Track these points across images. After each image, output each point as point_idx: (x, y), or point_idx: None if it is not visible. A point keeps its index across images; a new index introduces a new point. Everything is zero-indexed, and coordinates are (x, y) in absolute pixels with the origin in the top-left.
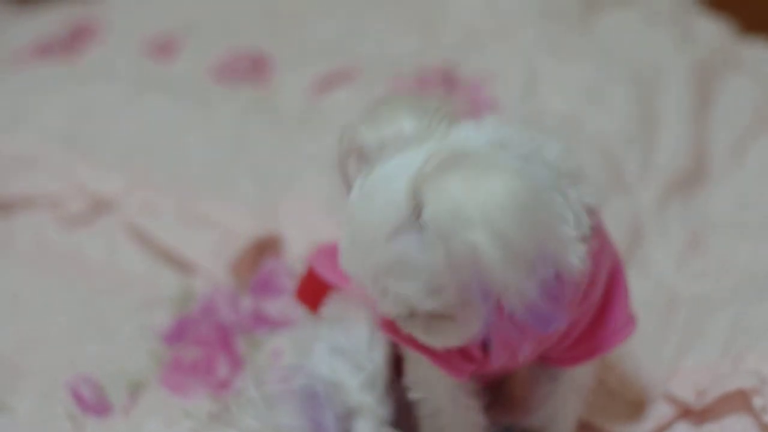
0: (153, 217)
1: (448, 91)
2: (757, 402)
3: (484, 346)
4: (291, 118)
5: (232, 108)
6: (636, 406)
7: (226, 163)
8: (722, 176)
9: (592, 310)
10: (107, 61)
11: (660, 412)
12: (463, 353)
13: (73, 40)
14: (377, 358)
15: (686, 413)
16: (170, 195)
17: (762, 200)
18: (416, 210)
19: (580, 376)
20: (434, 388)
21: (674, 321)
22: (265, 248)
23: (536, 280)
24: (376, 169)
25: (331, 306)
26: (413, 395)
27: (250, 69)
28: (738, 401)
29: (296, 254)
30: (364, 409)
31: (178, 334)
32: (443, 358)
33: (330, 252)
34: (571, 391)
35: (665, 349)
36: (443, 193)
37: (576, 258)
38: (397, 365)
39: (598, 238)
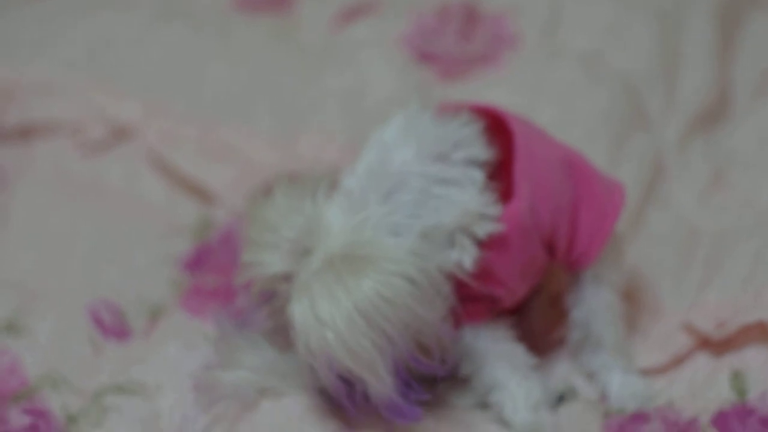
0: (173, 146)
1: (470, 26)
2: None
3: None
4: (312, 50)
5: (253, 38)
6: (655, 337)
7: (247, 94)
8: (745, 113)
9: (565, 211)
10: None
11: (679, 342)
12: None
13: None
14: None
15: (705, 344)
16: (190, 124)
17: None
18: None
19: (604, 273)
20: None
21: (695, 255)
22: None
23: (387, 379)
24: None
25: None
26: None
27: None
28: (758, 333)
29: None
30: None
31: (198, 261)
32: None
33: None
34: (598, 289)
35: (686, 282)
36: (306, 300)
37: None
38: None
39: (517, 164)
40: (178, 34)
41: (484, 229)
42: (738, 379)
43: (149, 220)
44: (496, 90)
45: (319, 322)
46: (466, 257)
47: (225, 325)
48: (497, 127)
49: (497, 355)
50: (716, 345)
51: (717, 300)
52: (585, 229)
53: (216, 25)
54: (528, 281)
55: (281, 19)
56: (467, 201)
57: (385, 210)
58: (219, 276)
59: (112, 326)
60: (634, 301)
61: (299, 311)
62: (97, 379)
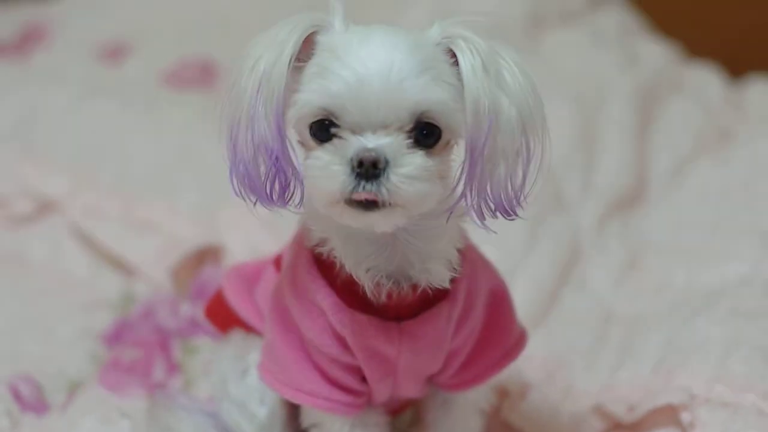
0: (97, 220)
1: None
2: (685, 417)
3: (364, 378)
4: None
5: (179, 114)
6: (567, 420)
7: (172, 170)
8: (661, 198)
9: (474, 335)
10: (58, 63)
11: (591, 427)
12: (344, 388)
13: (24, 42)
14: (270, 402)
15: (616, 427)
16: (115, 198)
17: (699, 223)
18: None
19: (475, 398)
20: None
21: (609, 338)
22: (206, 256)
23: (522, 165)
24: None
25: (232, 345)
26: None
27: (200, 76)
28: (667, 416)
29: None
30: None
31: (118, 335)
32: (326, 399)
33: (243, 275)
34: (466, 414)
35: (599, 365)
36: (480, 53)
37: None
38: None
39: (468, 264)
40: (105, 109)
41: None
42: None
43: (71, 294)
44: None
45: (499, 85)
46: None
47: (159, 395)
48: None
49: None
50: (626, 428)
51: (629, 382)
52: (485, 359)
53: (143, 101)
54: (416, 383)
55: (207, 96)
56: None
57: None
58: (138, 349)
59: (31, 401)
60: (548, 380)
61: (475, 68)
62: None
